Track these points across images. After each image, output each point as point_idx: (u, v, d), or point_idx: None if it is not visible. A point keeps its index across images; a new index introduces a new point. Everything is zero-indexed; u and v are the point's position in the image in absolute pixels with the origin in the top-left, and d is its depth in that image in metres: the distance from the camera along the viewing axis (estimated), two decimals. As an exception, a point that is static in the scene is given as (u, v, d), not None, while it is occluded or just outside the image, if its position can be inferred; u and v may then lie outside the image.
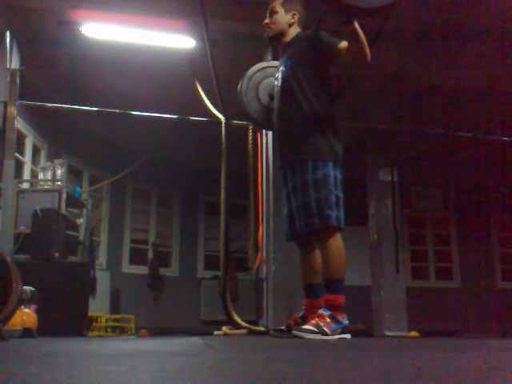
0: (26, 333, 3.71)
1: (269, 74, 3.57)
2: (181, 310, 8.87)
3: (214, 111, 5.41)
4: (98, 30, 5.48)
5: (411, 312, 7.01)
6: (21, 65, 5.26)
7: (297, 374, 1.04)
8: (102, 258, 8.54)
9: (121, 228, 9.03)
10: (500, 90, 6.53)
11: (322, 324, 2.75)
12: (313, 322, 2.79)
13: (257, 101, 3.49)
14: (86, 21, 5.37)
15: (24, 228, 5.12)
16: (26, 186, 5.90)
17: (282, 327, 3.15)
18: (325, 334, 2.73)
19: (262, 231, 5.25)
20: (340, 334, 2.81)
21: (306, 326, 2.76)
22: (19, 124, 5.80)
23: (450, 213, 10.35)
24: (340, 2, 2.55)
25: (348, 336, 2.87)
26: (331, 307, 2.86)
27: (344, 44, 2.90)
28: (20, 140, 6.33)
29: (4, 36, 5.08)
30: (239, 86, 3.53)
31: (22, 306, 3.74)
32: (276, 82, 3.28)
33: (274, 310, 4.97)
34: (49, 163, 6.02)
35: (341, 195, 3.03)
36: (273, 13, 3.27)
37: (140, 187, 9.42)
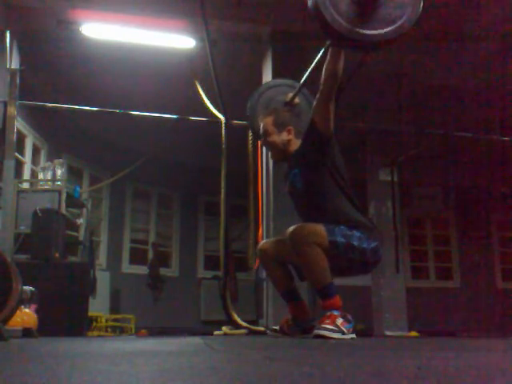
0: (26, 333, 3.71)
1: (281, 92, 3.59)
2: (181, 310, 8.87)
3: (214, 111, 5.41)
4: (98, 29, 5.49)
5: (411, 312, 7.01)
6: (21, 65, 5.26)
7: (296, 374, 1.04)
8: (102, 258, 8.54)
9: (121, 228, 9.03)
10: (500, 90, 6.53)
11: (338, 323, 2.75)
12: (328, 321, 2.76)
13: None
14: (86, 21, 5.38)
15: (24, 228, 5.12)
16: (26, 186, 5.89)
17: (277, 327, 3.14)
18: (343, 333, 2.73)
19: (261, 231, 5.25)
20: (351, 333, 2.81)
21: (327, 326, 2.74)
22: (19, 124, 5.80)
23: (450, 213, 10.35)
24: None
25: (354, 335, 2.87)
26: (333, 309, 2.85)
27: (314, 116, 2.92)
28: (20, 140, 6.33)
29: (4, 36, 5.08)
30: (249, 101, 3.55)
31: (22, 306, 3.74)
32: (287, 188, 3.23)
33: (274, 310, 4.96)
34: (49, 163, 6.01)
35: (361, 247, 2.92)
36: (267, 134, 3.17)
37: (140, 187, 9.42)
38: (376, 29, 2.40)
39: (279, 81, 3.82)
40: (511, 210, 9.77)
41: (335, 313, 2.78)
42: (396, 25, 2.39)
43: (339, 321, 2.75)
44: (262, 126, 3.21)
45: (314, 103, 2.95)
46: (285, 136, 3.14)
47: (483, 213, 10.11)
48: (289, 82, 3.73)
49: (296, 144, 3.14)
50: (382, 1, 2.41)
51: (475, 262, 9.99)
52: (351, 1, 2.39)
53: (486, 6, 5.10)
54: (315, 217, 2.96)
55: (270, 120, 3.17)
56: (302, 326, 3.16)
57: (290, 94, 3.56)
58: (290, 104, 3.58)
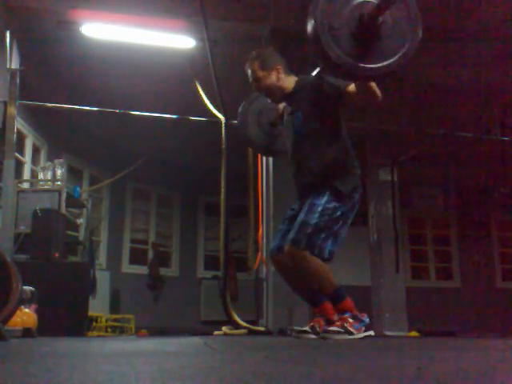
0: (26, 333, 3.71)
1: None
2: (181, 310, 8.87)
3: (214, 111, 5.41)
4: (98, 29, 5.48)
5: (411, 312, 7.01)
6: (21, 65, 5.25)
7: (296, 374, 1.04)
8: (102, 258, 8.54)
9: (121, 228, 9.02)
10: (500, 90, 6.53)
11: (346, 325, 2.77)
12: (337, 323, 2.80)
13: (256, 126, 3.51)
14: (86, 21, 5.37)
15: (24, 228, 5.12)
16: (26, 186, 5.89)
17: (306, 328, 3.10)
18: (351, 333, 2.75)
19: (261, 231, 5.25)
20: (364, 331, 2.83)
21: (333, 328, 2.78)
22: (19, 124, 5.80)
23: (450, 213, 10.35)
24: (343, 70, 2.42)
25: (372, 332, 2.88)
26: (347, 311, 2.87)
27: (351, 88, 2.82)
28: (20, 140, 6.32)
29: (4, 36, 5.08)
30: (240, 108, 3.55)
31: (22, 306, 3.73)
32: (288, 132, 3.21)
33: (274, 310, 4.97)
34: (49, 163, 6.01)
35: (343, 233, 2.99)
36: (257, 80, 3.13)
37: (140, 187, 9.42)
38: (378, 62, 2.38)
39: None
40: (511, 210, 9.76)
41: (345, 315, 2.82)
42: (398, 55, 2.39)
43: (348, 322, 2.78)
44: (249, 74, 3.16)
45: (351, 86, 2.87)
46: (275, 76, 3.11)
47: (483, 213, 10.11)
48: None
49: (289, 81, 3.13)
50: (382, 33, 2.38)
51: (475, 262, 9.99)
52: (352, 36, 2.35)
53: (486, 6, 5.10)
54: (309, 165, 3.03)
55: (256, 65, 3.13)
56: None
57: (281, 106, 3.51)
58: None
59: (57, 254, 5.00)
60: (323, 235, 2.89)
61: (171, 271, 9.47)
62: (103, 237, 8.64)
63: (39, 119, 6.75)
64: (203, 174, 8.45)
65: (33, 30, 5.52)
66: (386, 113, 6.79)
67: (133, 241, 9.26)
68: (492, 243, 10.39)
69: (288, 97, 3.15)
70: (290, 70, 3.20)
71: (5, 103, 4.90)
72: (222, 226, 5.12)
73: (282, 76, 3.12)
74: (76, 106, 5.95)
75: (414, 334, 6.51)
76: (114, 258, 8.77)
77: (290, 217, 3.13)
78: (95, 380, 0.95)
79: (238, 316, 4.92)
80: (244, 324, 4.86)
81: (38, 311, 4.06)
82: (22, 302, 3.57)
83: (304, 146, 3.08)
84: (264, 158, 5.36)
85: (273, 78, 3.10)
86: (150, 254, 9.17)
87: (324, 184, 2.97)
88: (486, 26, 5.38)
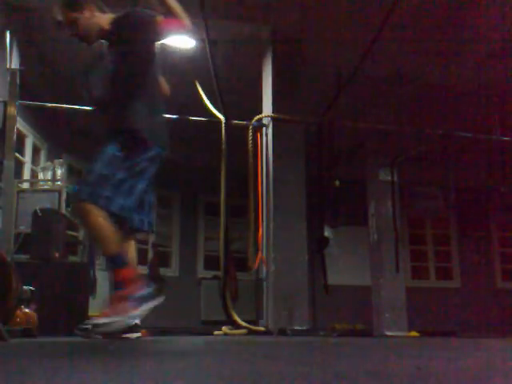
0: (26, 333, 3.70)
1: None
2: (181, 309, 8.86)
3: (214, 111, 5.41)
4: (98, 29, 5.47)
5: (411, 312, 7.00)
6: (21, 65, 5.25)
7: (296, 373, 1.04)
8: (101, 258, 8.53)
9: (121, 228, 9.01)
10: (500, 89, 6.53)
11: (119, 308, 2.63)
12: (107, 312, 2.65)
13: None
14: (86, 21, 5.37)
15: (24, 228, 5.11)
16: (26, 186, 5.89)
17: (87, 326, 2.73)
18: (124, 316, 2.62)
19: (261, 231, 5.25)
20: (144, 304, 2.68)
21: (103, 320, 2.62)
22: (19, 124, 5.80)
23: (450, 213, 10.35)
24: None
25: (154, 303, 2.71)
26: (121, 283, 2.69)
27: (159, 18, 2.84)
28: (20, 140, 6.32)
29: (4, 36, 5.08)
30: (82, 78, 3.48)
31: (22, 306, 3.73)
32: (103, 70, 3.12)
33: (274, 310, 4.97)
34: (49, 163, 6.01)
35: (140, 187, 2.85)
36: (71, 23, 3.00)
37: (140, 187, 9.41)
38: None
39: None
40: (511, 209, 9.77)
41: (121, 292, 2.65)
42: None
43: (124, 306, 2.63)
44: (63, 21, 3.02)
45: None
46: (88, 15, 2.98)
47: (483, 213, 10.11)
48: None
49: (105, 18, 3.01)
50: None
51: (475, 262, 9.99)
52: None
53: (485, 6, 5.10)
54: (112, 107, 2.92)
55: (65, 9, 2.98)
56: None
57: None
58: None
59: (57, 254, 4.99)
60: (109, 186, 2.69)
61: (171, 271, 9.47)
62: (103, 237, 8.64)
63: (39, 119, 6.74)
64: (203, 174, 8.45)
65: (33, 30, 5.52)
66: (386, 113, 6.79)
67: (133, 241, 9.25)
68: (492, 243, 10.39)
69: (104, 35, 3.06)
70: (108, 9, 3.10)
71: (5, 103, 4.90)
72: (222, 226, 5.12)
73: (96, 14, 3.00)
74: (76, 106, 5.94)
75: (413, 333, 6.51)
76: (114, 258, 8.76)
77: None
78: (95, 380, 0.95)
79: (238, 316, 4.92)
80: (244, 324, 4.86)
81: (37, 311, 4.06)
82: (22, 301, 3.57)
83: (110, 84, 2.99)
84: (264, 158, 5.35)
85: (86, 17, 2.98)
86: (150, 254, 9.17)
87: (120, 127, 2.87)
88: (486, 26, 5.38)
